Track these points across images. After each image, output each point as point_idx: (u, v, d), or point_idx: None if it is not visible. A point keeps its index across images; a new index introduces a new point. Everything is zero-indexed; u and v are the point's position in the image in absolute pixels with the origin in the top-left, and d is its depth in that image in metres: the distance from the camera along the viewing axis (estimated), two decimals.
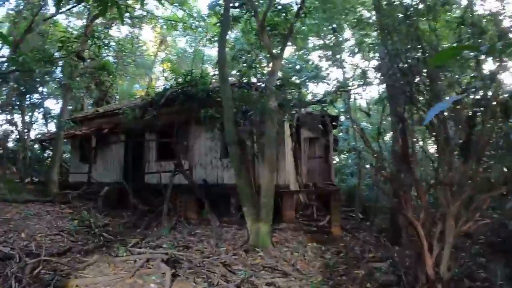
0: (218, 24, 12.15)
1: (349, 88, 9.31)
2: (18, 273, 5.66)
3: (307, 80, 12.35)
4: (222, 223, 10.20)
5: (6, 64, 13.33)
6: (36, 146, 21.74)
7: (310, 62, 16.47)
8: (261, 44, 11.09)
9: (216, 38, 13.53)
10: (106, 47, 15.70)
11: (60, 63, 15.42)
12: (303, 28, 14.10)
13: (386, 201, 12.98)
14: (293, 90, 9.85)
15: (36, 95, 20.50)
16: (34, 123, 21.97)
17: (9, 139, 19.41)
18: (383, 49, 7.42)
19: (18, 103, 18.55)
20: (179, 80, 12.70)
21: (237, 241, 8.48)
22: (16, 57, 12.60)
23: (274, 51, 9.87)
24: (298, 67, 14.50)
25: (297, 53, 18.64)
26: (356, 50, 12.05)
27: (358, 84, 9.27)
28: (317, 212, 10.67)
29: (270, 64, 10.31)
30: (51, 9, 16.72)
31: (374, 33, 11.06)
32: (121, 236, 8.88)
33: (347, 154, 20.69)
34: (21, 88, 17.40)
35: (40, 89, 19.45)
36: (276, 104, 8.62)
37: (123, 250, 7.54)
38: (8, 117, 19.28)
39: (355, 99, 12.63)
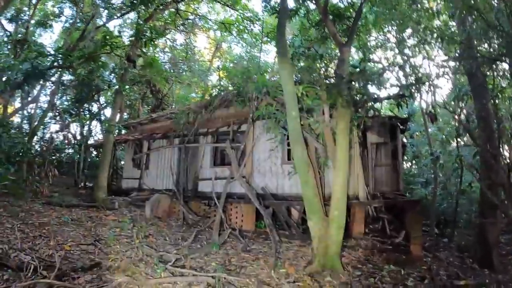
0: (275, 14, 11.12)
1: (427, 79, 7.88)
2: None
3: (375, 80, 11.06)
4: (281, 237, 8.97)
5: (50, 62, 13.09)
6: (93, 153, 22.11)
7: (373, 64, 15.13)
8: (323, 35, 9.93)
9: (273, 35, 12.53)
10: (152, 42, 15.07)
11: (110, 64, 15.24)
12: (369, 16, 12.67)
13: (468, 214, 11.41)
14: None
15: (94, 104, 20.74)
16: (91, 131, 22.35)
17: (58, 145, 19.76)
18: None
19: (76, 110, 18.71)
20: (235, 80, 11.83)
21: (300, 260, 7.21)
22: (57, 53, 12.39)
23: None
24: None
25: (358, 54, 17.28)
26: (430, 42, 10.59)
27: (437, 75, 7.95)
28: (389, 227, 9.25)
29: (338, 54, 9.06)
30: (104, 18, 16.69)
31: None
32: (164, 250, 7.83)
33: (415, 161, 18.96)
34: (78, 96, 17.48)
35: (96, 97, 19.55)
36: (348, 96, 7.24)
37: (162, 268, 6.44)
38: (66, 124, 19.61)
39: (434, 92, 11.07)
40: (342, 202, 6.70)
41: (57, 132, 18.90)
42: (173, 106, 24.57)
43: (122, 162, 20.40)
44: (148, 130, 15.22)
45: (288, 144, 9.45)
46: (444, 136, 15.09)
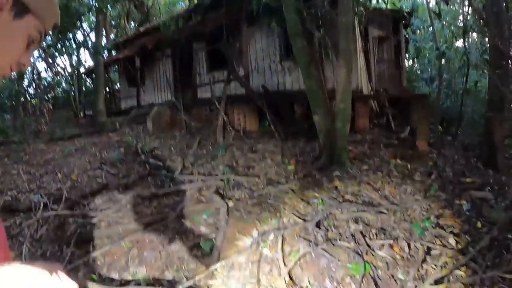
0: None
1: None
2: (37, 226, 4.71)
3: None
4: (286, 135, 8.79)
5: None
6: (87, 81, 21.65)
7: None
8: None
9: None
10: None
11: None
12: None
13: (473, 113, 11.20)
14: None
15: (79, 32, 19.88)
16: (81, 60, 21.62)
17: (51, 81, 19.11)
18: None
19: (60, 42, 17.85)
20: None
21: (307, 157, 7.13)
22: None
23: None
24: None
25: None
26: None
27: None
28: (394, 122, 9.09)
29: None
30: None
31: None
32: (171, 160, 7.80)
33: (417, 58, 18.41)
34: (59, 27, 16.34)
35: (79, 23, 18.48)
36: None
37: (168, 179, 6.44)
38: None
39: None
40: (347, 94, 6.38)
41: (46, 68, 18.40)
42: (161, 17, 23.50)
43: (118, 84, 20.05)
44: (138, 46, 14.59)
45: (287, 40, 8.89)
46: (450, 32, 14.47)
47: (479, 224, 4.61)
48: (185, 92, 12.93)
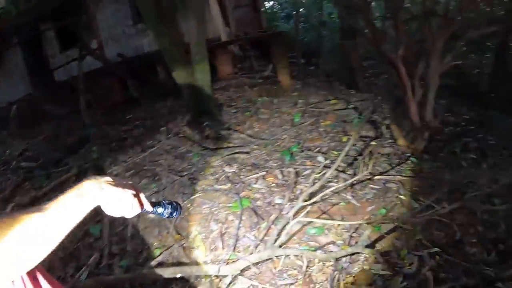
0: None
1: None
2: None
3: None
4: (153, 98, 8.53)
5: None
6: None
7: None
8: None
9: None
10: None
11: None
12: None
13: (331, 42, 11.86)
14: None
15: None
16: None
17: None
18: None
19: None
20: None
21: (176, 116, 7.05)
22: None
23: None
24: None
25: None
26: None
27: None
28: (257, 63, 9.33)
29: None
30: None
31: None
32: (44, 157, 7.05)
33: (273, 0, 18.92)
34: None
35: None
36: None
37: (44, 177, 5.86)
38: None
39: None
40: (202, 45, 6.33)
41: None
42: None
43: None
44: None
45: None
46: None
47: (344, 139, 5.06)
48: (42, 80, 11.70)
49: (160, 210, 1.27)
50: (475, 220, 3.52)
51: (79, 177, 5.19)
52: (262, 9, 13.30)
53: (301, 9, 15.44)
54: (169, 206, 1.29)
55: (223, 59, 8.48)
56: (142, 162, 5.42)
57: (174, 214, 1.31)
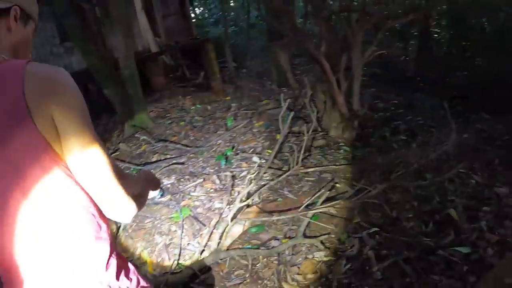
0: None
1: None
2: None
3: None
4: None
5: None
6: None
7: None
8: None
9: None
10: None
11: None
12: None
13: (260, 42, 12.00)
14: None
15: None
16: None
17: None
18: None
19: None
20: None
21: (112, 132, 6.93)
22: None
23: None
24: None
25: None
26: None
27: None
28: (189, 72, 9.36)
29: None
30: None
31: None
32: None
33: (200, 3, 18.92)
34: None
35: None
36: None
37: None
38: None
39: None
40: (130, 59, 6.28)
41: None
42: None
43: None
44: None
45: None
46: None
47: (278, 137, 5.23)
48: None
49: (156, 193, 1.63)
50: (409, 197, 3.78)
51: None
52: (191, 16, 13.31)
53: (229, 14, 15.62)
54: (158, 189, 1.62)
55: (155, 71, 8.42)
56: None
57: (163, 194, 1.69)
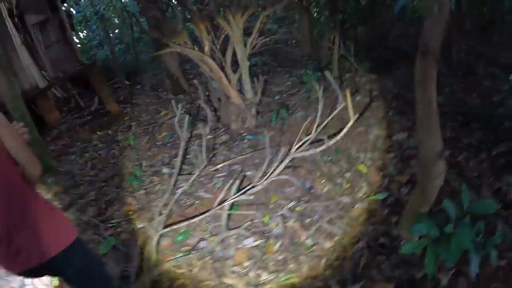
0: None
1: None
2: None
3: None
4: None
5: None
6: None
7: None
8: None
9: None
10: None
11: None
12: None
13: (149, 56, 11.80)
14: None
15: None
16: None
17: None
18: None
19: None
20: None
21: None
22: None
23: None
24: None
25: None
26: None
27: None
28: (83, 100, 9.05)
29: None
30: None
31: None
32: None
33: (82, 27, 18.13)
34: None
35: None
36: None
37: None
38: None
39: None
40: (17, 99, 5.87)
41: None
42: None
43: None
44: None
45: None
46: None
47: None
48: None
49: None
50: (318, 166, 4.09)
51: None
52: (75, 42, 12.73)
53: (112, 32, 15.19)
54: None
55: (47, 107, 7.97)
56: None
57: None
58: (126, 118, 7.25)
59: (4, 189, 1.76)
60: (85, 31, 19.42)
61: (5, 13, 7.74)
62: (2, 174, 1.75)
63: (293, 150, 4.10)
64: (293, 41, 9.89)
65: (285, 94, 6.50)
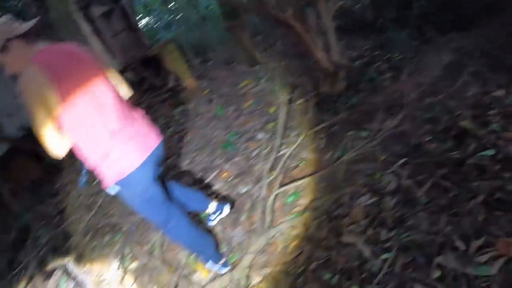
0: None
1: None
2: None
3: None
4: None
5: None
6: None
7: None
8: None
9: None
10: None
11: None
12: None
13: (217, 32, 11.66)
14: None
15: None
16: None
17: None
18: None
19: None
20: None
21: None
22: None
23: None
24: None
25: None
26: None
27: None
28: (158, 80, 9.07)
29: None
30: None
31: None
32: None
33: (146, 12, 18.50)
34: None
35: None
36: None
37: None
38: None
39: None
40: None
41: None
42: None
43: None
44: None
45: None
46: None
47: (271, 109, 5.12)
48: None
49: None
50: (420, 123, 3.74)
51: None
52: (140, 28, 12.94)
53: (177, 14, 15.28)
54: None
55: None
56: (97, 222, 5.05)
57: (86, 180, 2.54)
58: (206, 92, 7.11)
59: (113, 98, 2.44)
60: (147, 17, 19.75)
61: (74, 6, 7.92)
62: (111, 90, 2.47)
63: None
64: (360, 5, 9.32)
65: (366, 59, 6.04)
